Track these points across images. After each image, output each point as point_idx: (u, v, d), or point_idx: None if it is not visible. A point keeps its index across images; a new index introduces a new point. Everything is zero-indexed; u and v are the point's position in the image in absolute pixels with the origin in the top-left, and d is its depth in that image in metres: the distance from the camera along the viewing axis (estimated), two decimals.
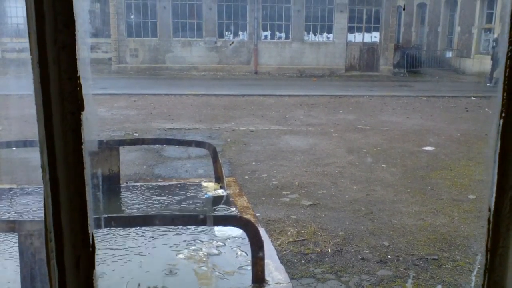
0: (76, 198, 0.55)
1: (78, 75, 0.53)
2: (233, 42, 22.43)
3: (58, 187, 0.54)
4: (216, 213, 2.50)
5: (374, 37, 23.87)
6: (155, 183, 3.09)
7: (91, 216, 0.56)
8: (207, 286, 1.72)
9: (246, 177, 7.28)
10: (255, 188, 6.81)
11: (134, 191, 2.82)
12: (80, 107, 0.54)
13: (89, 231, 0.56)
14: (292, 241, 5.18)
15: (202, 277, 1.76)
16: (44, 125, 0.53)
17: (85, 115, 0.55)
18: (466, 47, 24.86)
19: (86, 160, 0.55)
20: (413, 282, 4.43)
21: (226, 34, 23.34)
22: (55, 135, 0.53)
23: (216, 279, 1.68)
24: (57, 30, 0.52)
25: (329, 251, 4.98)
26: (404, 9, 27.58)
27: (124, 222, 1.83)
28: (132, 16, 22.51)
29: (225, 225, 1.97)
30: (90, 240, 0.56)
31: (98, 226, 1.54)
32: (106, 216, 1.55)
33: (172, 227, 2.18)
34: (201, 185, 2.98)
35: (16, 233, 1.55)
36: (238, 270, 1.86)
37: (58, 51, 0.52)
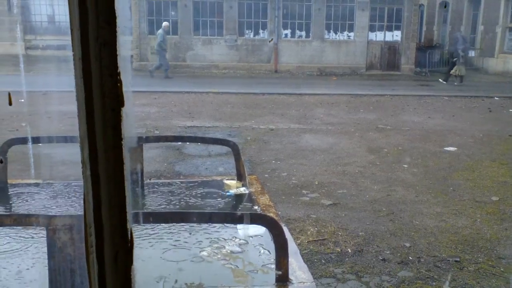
0: (116, 194, 0.56)
1: (118, 71, 0.54)
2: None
3: (99, 182, 0.55)
4: (242, 212, 2.51)
5: (395, 35, 23.67)
6: (177, 180, 3.10)
7: (129, 211, 0.57)
8: (243, 284, 1.72)
9: (266, 175, 7.28)
10: (275, 186, 6.80)
11: (157, 188, 2.84)
12: (120, 103, 0.55)
13: (128, 227, 0.57)
14: (312, 241, 5.17)
15: (237, 274, 1.77)
16: (85, 121, 0.53)
17: (125, 111, 0.55)
18: (490, 46, 24.49)
19: (126, 156, 0.56)
20: (435, 284, 4.38)
21: (247, 32, 23.35)
22: (96, 131, 0.53)
23: (251, 277, 1.68)
24: (99, 26, 0.52)
25: (350, 251, 4.96)
26: (445, 7, 26.92)
27: (162, 219, 1.83)
28: (153, 14, 22.63)
29: (250, 223, 1.97)
30: (129, 235, 0.57)
31: (136, 222, 1.56)
32: (144, 212, 1.56)
33: (192, 224, 2.19)
34: (223, 182, 2.99)
35: (44, 228, 1.58)
36: (262, 268, 1.86)
37: (100, 47, 0.53)
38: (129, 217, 0.57)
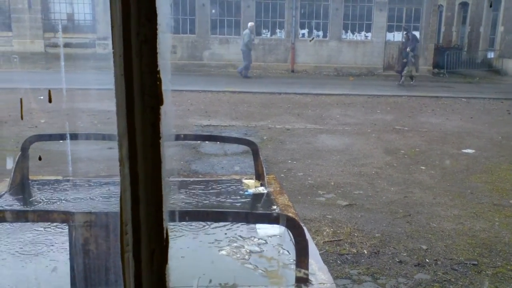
0: (153, 192, 0.55)
1: (158, 69, 0.53)
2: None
3: (138, 181, 0.55)
4: (260, 211, 2.51)
5: None
6: (196, 179, 3.11)
7: (166, 210, 0.56)
8: (277, 285, 1.71)
9: (282, 175, 7.27)
10: (291, 186, 6.79)
11: (175, 186, 2.85)
12: (160, 101, 0.54)
13: (164, 225, 0.57)
14: (327, 241, 5.15)
15: (272, 275, 1.76)
16: (126, 119, 0.53)
17: (164, 109, 0.55)
18: (510, 48, 24.16)
19: (163, 154, 0.55)
20: (452, 287, 4.34)
21: (264, 32, 23.34)
22: (136, 129, 0.53)
23: (286, 278, 1.67)
24: (140, 23, 0.52)
25: (366, 252, 4.93)
26: (491, 6, 26.34)
27: (198, 217, 1.84)
28: (171, 13, 22.71)
29: (270, 223, 1.96)
30: (164, 234, 0.57)
31: (172, 220, 1.56)
32: (180, 210, 1.56)
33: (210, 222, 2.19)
34: (241, 182, 2.99)
35: (66, 224, 1.59)
36: (281, 269, 1.85)
37: (140, 45, 0.53)
38: (165, 215, 0.57)
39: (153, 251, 0.56)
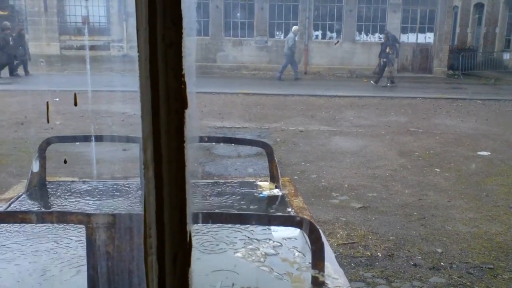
0: (177, 196, 0.56)
1: (183, 72, 0.54)
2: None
3: (162, 184, 0.55)
4: (276, 213, 2.50)
5: (428, 37, 23.32)
6: (210, 181, 3.12)
7: (190, 213, 0.56)
8: None
9: (295, 177, 7.25)
10: (304, 188, 6.77)
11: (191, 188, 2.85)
12: (184, 105, 0.55)
13: (187, 228, 0.57)
14: (341, 244, 5.13)
15: (296, 280, 1.76)
16: (151, 122, 0.53)
17: (188, 113, 0.55)
18: None
19: (188, 157, 0.55)
20: None
21: (277, 33, 23.34)
22: (161, 133, 0.53)
23: (308, 283, 1.67)
24: (165, 27, 0.52)
25: (380, 255, 4.90)
26: None
27: (221, 219, 1.84)
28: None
29: (285, 225, 1.96)
30: (188, 237, 0.57)
31: (195, 223, 1.56)
32: (203, 212, 1.57)
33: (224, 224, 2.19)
34: (256, 184, 2.99)
35: (83, 226, 1.60)
36: (297, 272, 1.85)
37: (166, 48, 0.53)
38: (189, 218, 0.57)
39: (176, 254, 0.56)
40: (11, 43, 17.61)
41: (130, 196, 2.73)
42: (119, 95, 13.04)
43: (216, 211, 2.32)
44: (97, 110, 11.62)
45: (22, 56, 17.97)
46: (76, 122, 9.92)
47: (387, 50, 18.56)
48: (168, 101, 0.53)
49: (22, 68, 18.09)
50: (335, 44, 22.05)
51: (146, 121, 0.54)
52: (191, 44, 0.53)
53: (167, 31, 0.52)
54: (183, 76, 0.54)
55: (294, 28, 20.48)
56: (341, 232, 5.40)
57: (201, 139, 3.03)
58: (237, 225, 2.16)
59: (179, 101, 0.54)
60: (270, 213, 2.51)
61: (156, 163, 0.54)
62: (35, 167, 2.71)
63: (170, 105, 0.54)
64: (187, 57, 0.53)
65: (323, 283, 1.68)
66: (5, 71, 17.68)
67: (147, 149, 0.54)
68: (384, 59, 18.74)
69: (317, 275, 1.65)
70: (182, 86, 0.54)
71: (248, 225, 2.14)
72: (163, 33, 0.52)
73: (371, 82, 19.09)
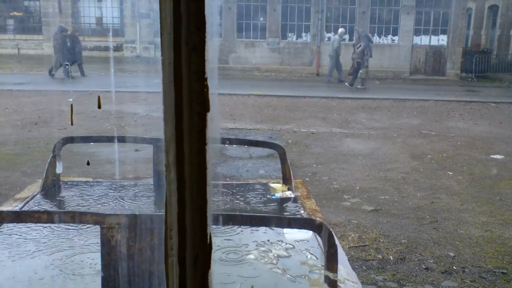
0: (198, 197, 0.56)
1: (205, 76, 0.54)
2: (359, 46, 21.96)
3: (184, 186, 0.55)
4: (290, 216, 2.50)
5: (441, 40, 23.15)
6: (223, 182, 3.13)
7: (210, 215, 0.57)
8: None
9: (307, 179, 7.24)
10: (315, 190, 6.76)
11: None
12: (206, 108, 0.55)
13: (208, 231, 0.57)
14: (353, 246, 5.11)
15: (314, 283, 1.76)
16: (174, 125, 0.54)
17: (210, 116, 0.56)
18: None
19: (209, 160, 0.56)
20: None
21: (289, 35, 23.32)
22: (184, 135, 0.54)
23: (325, 285, 1.67)
24: (189, 31, 0.53)
25: (391, 258, 4.88)
26: None
27: (241, 221, 1.84)
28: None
29: (298, 227, 1.96)
30: (208, 239, 0.57)
31: (215, 224, 1.57)
32: (223, 214, 1.57)
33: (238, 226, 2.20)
34: (268, 186, 2.99)
35: (98, 226, 1.62)
36: (309, 274, 1.85)
37: (189, 52, 0.53)
38: (209, 220, 0.57)
39: (197, 255, 0.57)
40: (68, 44, 17.97)
41: (143, 196, 2.75)
42: (131, 96, 13.12)
43: (237, 213, 2.33)
44: (110, 110, 11.70)
45: (78, 58, 18.39)
46: (89, 123, 10.00)
47: (360, 49, 18.21)
48: (191, 104, 0.54)
49: (77, 69, 18.40)
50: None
51: (169, 124, 0.54)
52: (213, 48, 0.53)
53: (191, 35, 0.53)
54: (206, 79, 0.54)
55: (340, 30, 20.28)
56: (352, 235, 5.38)
57: (215, 141, 3.03)
58: (248, 227, 2.17)
59: (201, 104, 0.55)
60: (289, 216, 2.50)
61: (178, 165, 0.55)
62: (59, 167, 2.74)
63: (193, 108, 0.54)
64: (209, 61, 0.53)
65: (336, 286, 1.68)
66: (60, 72, 17.86)
67: (169, 152, 0.55)
68: (359, 60, 18.45)
69: (330, 277, 1.65)
70: (205, 89, 0.54)
71: (263, 227, 2.14)
72: (187, 37, 0.53)
73: (346, 84, 18.82)
